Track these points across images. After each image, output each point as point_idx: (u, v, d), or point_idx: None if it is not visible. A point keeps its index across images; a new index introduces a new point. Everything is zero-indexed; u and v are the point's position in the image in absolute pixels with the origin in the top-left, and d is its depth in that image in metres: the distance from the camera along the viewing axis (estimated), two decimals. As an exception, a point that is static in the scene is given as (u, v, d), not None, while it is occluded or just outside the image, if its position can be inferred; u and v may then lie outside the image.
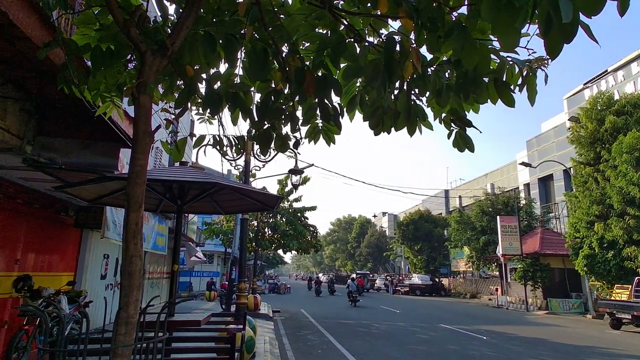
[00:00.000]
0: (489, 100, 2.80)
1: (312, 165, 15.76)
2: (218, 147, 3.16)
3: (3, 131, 4.11)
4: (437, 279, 40.13)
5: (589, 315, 20.64)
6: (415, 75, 2.62)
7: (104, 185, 4.90)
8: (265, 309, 17.15)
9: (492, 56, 2.46)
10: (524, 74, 2.56)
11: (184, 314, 5.91)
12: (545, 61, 2.40)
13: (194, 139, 3.06)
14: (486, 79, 2.67)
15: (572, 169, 21.98)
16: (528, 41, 2.24)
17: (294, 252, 22.07)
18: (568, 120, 25.88)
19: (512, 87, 2.65)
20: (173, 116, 3.34)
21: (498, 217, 26.58)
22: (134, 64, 2.76)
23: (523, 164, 25.50)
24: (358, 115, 3.08)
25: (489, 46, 2.42)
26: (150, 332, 2.81)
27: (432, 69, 2.73)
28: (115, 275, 11.10)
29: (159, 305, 2.81)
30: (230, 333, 4.74)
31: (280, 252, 31.86)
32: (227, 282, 19.41)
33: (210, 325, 6.31)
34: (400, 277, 46.27)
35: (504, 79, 2.63)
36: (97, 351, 2.57)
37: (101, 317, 8.91)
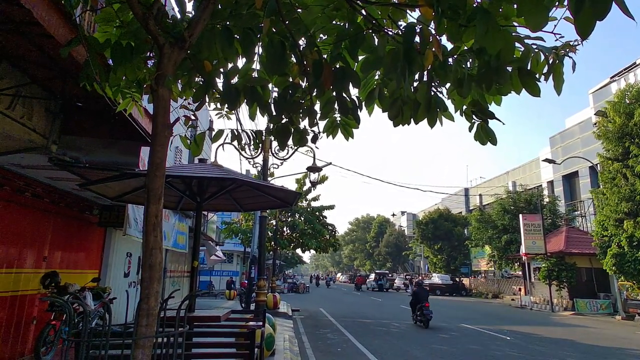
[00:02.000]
0: (512, 93, 2.71)
1: (330, 163, 15.70)
2: (236, 142, 3.16)
3: (30, 131, 4.23)
4: (457, 279, 39.53)
5: (618, 316, 19.95)
6: (435, 65, 2.56)
7: (126, 183, 4.98)
8: (285, 307, 17.20)
9: (517, 44, 2.38)
10: (550, 61, 2.46)
11: (204, 310, 5.97)
12: (574, 47, 2.31)
13: (213, 133, 3.07)
14: (509, 69, 2.59)
15: (599, 165, 21.27)
16: (555, 25, 2.15)
17: (312, 251, 22.09)
18: (594, 114, 25.09)
19: (537, 76, 2.55)
20: (192, 112, 3.37)
21: (521, 215, 25.98)
22: (153, 61, 2.79)
23: (547, 160, 24.81)
24: (376, 111, 3.03)
25: (513, 33, 2.34)
26: (171, 328, 2.84)
27: (453, 58, 2.66)
28: (137, 274, 11.31)
29: (179, 302, 2.84)
30: (250, 329, 4.75)
31: (298, 251, 31.96)
32: (246, 281, 19.58)
33: (230, 322, 6.35)
34: (420, 277, 45.76)
35: (529, 68, 2.54)
36: (119, 343, 2.60)
37: (124, 314, 9.07)
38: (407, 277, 47.71)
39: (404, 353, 9.23)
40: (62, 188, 7.40)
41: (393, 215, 71.84)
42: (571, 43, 2.35)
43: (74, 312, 2.55)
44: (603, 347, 11.11)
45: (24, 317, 6.79)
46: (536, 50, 2.46)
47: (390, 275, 49.78)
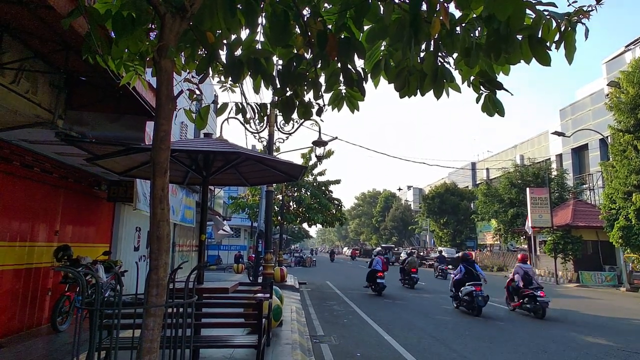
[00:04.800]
0: (521, 64, 2.65)
1: (336, 138, 15.61)
2: (241, 115, 3.15)
3: (35, 105, 4.24)
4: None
5: (623, 288, 20.11)
6: (442, 34, 2.49)
7: (132, 158, 5.01)
8: (292, 280, 17.54)
9: (527, 11, 2.30)
10: (562, 28, 2.39)
11: (213, 282, 6.11)
12: (587, 12, 2.23)
13: (217, 107, 3.06)
14: (519, 37, 2.52)
15: (609, 137, 20.92)
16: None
17: (319, 225, 22.29)
18: (607, 85, 24.49)
19: (548, 44, 2.48)
20: (195, 86, 3.34)
21: (528, 189, 25.85)
22: (155, 34, 2.75)
23: (556, 133, 24.44)
24: (382, 83, 2.99)
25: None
26: (181, 299, 2.91)
27: (461, 27, 2.59)
28: (147, 247, 11.55)
29: (188, 274, 2.91)
30: (258, 300, 4.87)
31: (305, 225, 32.27)
32: (254, 255, 19.91)
33: (239, 294, 6.51)
34: (426, 251, 46.20)
35: (540, 36, 2.47)
36: (131, 311, 2.68)
37: (134, 286, 9.31)
38: (412, 250, 48.22)
39: (408, 324, 9.44)
40: (70, 163, 7.47)
41: (399, 189, 71.91)
42: (584, 8, 2.27)
43: (86, 283, 2.62)
44: (607, 317, 11.25)
45: (39, 288, 7.01)
46: (548, 17, 2.38)
47: (396, 249, 50.33)
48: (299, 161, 21.79)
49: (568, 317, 11.17)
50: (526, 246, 30.03)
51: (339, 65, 2.82)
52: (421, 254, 43.88)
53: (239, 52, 2.79)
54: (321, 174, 22.12)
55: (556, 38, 2.43)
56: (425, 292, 16.86)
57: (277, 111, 5.44)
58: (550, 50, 2.47)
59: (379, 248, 22.41)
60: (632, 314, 12.21)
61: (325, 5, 2.83)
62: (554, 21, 2.38)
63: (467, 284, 11.11)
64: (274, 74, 2.95)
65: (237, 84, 3.15)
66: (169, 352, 2.64)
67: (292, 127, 8.84)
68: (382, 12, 2.56)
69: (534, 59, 2.52)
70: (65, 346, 5.92)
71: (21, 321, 6.55)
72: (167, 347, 2.63)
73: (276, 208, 19.52)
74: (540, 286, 10.99)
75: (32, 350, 5.64)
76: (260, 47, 2.85)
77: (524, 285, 10.98)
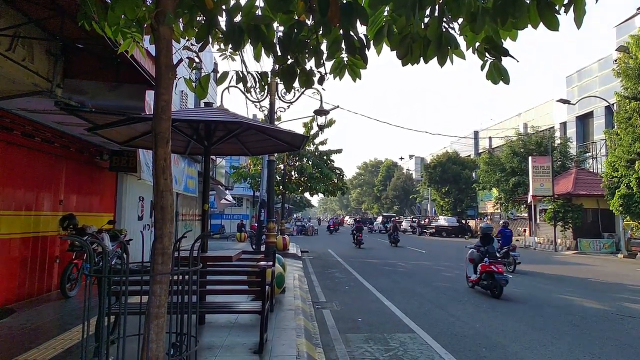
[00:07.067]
0: (527, 40, 2.58)
1: (338, 107, 15.44)
2: (242, 84, 3.10)
3: (32, 74, 4.18)
4: (463, 221, 40.23)
5: (620, 254, 20.42)
6: (448, -2, 2.42)
7: (133, 127, 4.99)
8: (294, 249, 17.84)
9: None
10: (572, -10, 2.31)
11: (216, 251, 6.22)
12: (599, -26, 2.14)
13: (218, 76, 3.01)
14: (527, 0, 2.44)
15: (615, 104, 20.61)
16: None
17: (320, 195, 22.43)
18: (616, 50, 23.89)
19: (557, 8, 2.41)
20: (195, 54, 3.27)
21: (530, 157, 25.78)
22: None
23: (561, 100, 24.09)
24: (385, 51, 2.93)
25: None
26: (186, 267, 2.97)
27: (468, -10, 2.50)
28: (150, 217, 11.69)
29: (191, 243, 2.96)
30: (261, 268, 4.97)
31: (307, 195, 32.45)
32: (256, 224, 20.14)
33: (242, 262, 6.64)
34: (427, 219, 46.66)
35: (548, -1, 2.39)
36: (138, 279, 2.75)
37: (139, 255, 9.54)
38: (413, 219, 48.69)
39: (409, 291, 9.67)
40: (71, 133, 7.45)
41: (401, 158, 71.87)
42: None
43: (93, 251, 2.68)
44: (603, 283, 11.49)
45: (47, 256, 7.16)
46: (558, -21, 2.30)
47: (397, 218, 50.85)
48: (301, 130, 21.65)
49: (565, 283, 11.41)
50: (526, 214, 30.27)
51: (341, 32, 2.76)
52: (422, 222, 44.34)
53: (238, 18, 2.72)
54: (323, 143, 22.04)
55: (565, 1, 2.35)
56: (425, 259, 17.14)
57: (278, 80, 5.36)
58: (559, 14, 2.41)
59: (331, 217, 27.80)
60: (627, 279, 12.45)
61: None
62: (564, -17, 2.30)
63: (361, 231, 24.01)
64: (275, 41, 2.89)
65: (237, 52, 3.09)
66: (176, 317, 2.73)
67: (294, 96, 8.75)
68: (385, -25, 2.47)
69: (541, 24, 2.46)
70: (75, 311, 6.12)
71: (31, 287, 6.74)
72: (174, 313, 2.72)
73: (278, 177, 19.59)
74: None
75: (44, 315, 5.84)
76: (260, 14, 2.78)
77: None
